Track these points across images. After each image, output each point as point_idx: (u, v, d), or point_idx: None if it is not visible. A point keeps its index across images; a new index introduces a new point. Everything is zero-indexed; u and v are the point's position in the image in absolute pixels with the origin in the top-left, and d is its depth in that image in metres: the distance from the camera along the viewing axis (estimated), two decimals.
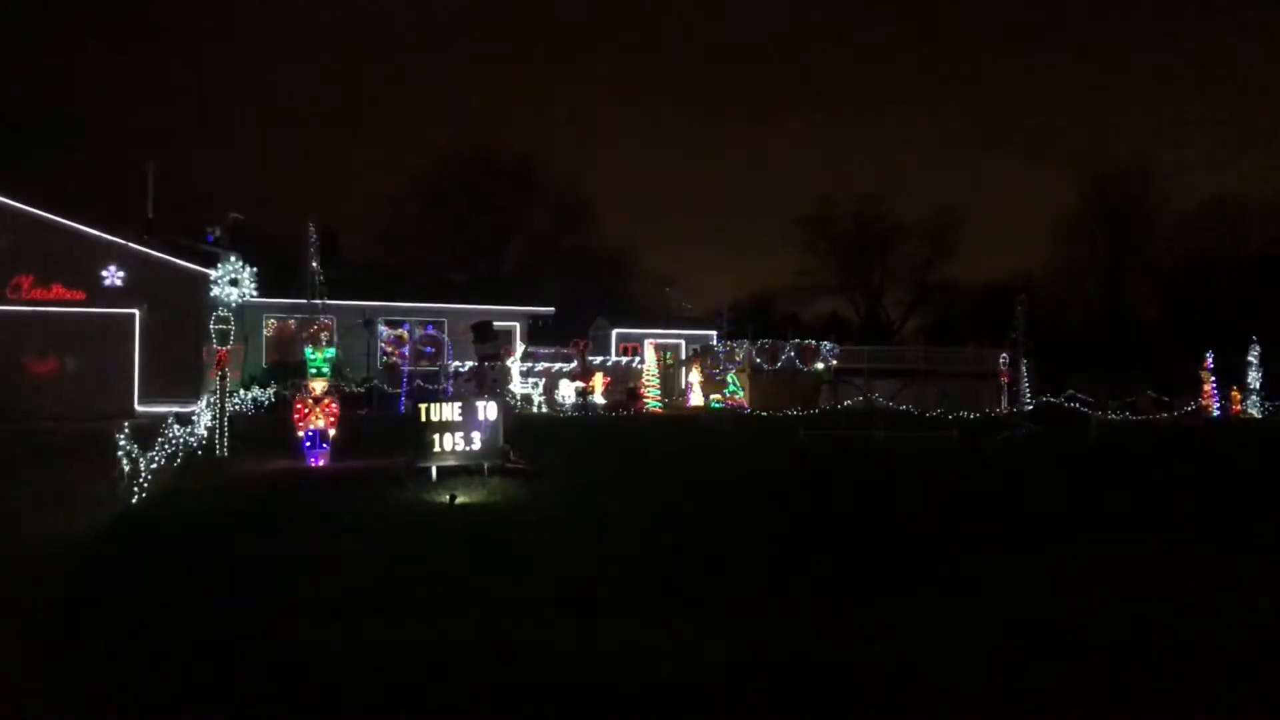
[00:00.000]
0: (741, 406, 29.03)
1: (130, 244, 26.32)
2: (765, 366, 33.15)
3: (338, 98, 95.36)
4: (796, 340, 34.59)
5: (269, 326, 32.16)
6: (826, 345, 34.52)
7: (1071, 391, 27.01)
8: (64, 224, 25.84)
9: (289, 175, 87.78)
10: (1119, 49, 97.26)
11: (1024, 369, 22.38)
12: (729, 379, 28.89)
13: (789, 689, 5.75)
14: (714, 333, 38.59)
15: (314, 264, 28.62)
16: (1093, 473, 16.20)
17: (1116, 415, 26.49)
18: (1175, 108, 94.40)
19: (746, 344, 32.35)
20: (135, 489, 10.65)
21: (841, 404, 30.14)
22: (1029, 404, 22.37)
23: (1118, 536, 10.70)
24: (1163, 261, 57.92)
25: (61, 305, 24.60)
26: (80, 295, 24.75)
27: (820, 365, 34.05)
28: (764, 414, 27.09)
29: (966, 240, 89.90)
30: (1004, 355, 27.82)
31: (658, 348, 36.25)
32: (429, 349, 33.17)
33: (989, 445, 19.94)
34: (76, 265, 24.88)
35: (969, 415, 22.62)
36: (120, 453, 10.70)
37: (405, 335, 31.12)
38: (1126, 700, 5.70)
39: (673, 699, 5.54)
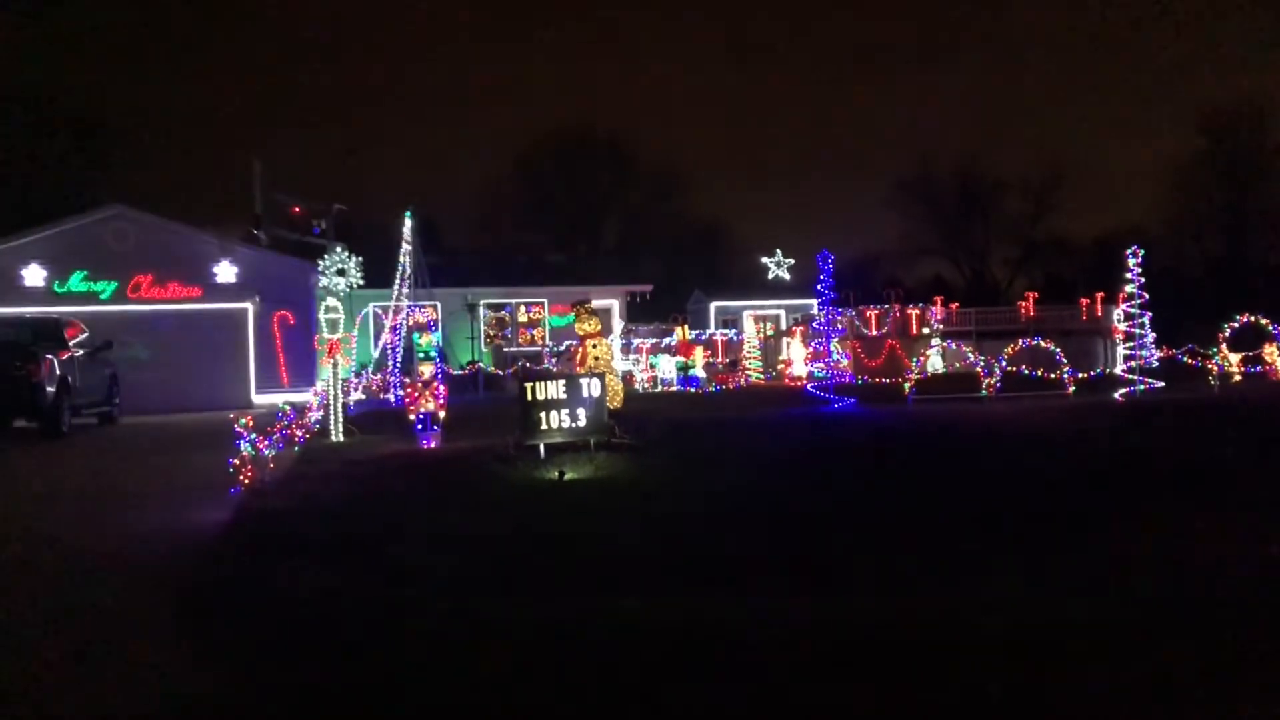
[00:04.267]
0: (846, 374, 28.65)
1: (240, 242, 27.20)
2: (869, 333, 32.67)
3: (431, 85, 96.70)
4: (900, 305, 34.00)
5: (375, 313, 32.81)
6: (931, 309, 33.88)
7: (1191, 345, 25.95)
8: (178, 226, 26.91)
9: (388, 164, 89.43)
10: None
11: (1142, 324, 21.56)
12: (832, 347, 28.55)
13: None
14: (814, 301, 38.14)
15: (416, 251, 29.12)
16: (1221, 427, 15.58)
17: (1238, 368, 25.41)
18: None
19: (849, 311, 31.87)
20: (256, 476, 11.01)
21: (950, 368, 29.53)
22: (1149, 359, 21.56)
23: None
24: None
25: (179, 302, 25.53)
26: (196, 292, 25.62)
27: (925, 330, 33.43)
28: (869, 381, 26.69)
29: (1074, 194, 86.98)
30: (1119, 310, 26.89)
31: (757, 319, 36.03)
32: (530, 329, 33.53)
33: (1108, 404, 19.32)
34: (191, 263, 25.77)
35: (1084, 374, 21.94)
36: (242, 441, 11.06)
37: (508, 318, 31.50)
38: None
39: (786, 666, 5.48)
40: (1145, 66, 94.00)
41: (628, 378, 27.74)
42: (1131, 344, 21.75)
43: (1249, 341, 26.91)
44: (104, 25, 70.90)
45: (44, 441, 16.37)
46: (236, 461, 10.88)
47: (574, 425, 13.10)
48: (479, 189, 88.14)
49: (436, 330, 27.79)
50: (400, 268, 28.67)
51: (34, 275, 25.11)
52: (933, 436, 15.17)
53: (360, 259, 27.79)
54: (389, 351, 27.54)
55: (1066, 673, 5.31)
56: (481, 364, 29.59)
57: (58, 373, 16.84)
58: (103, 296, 25.14)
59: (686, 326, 30.38)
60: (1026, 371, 22.07)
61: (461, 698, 5.15)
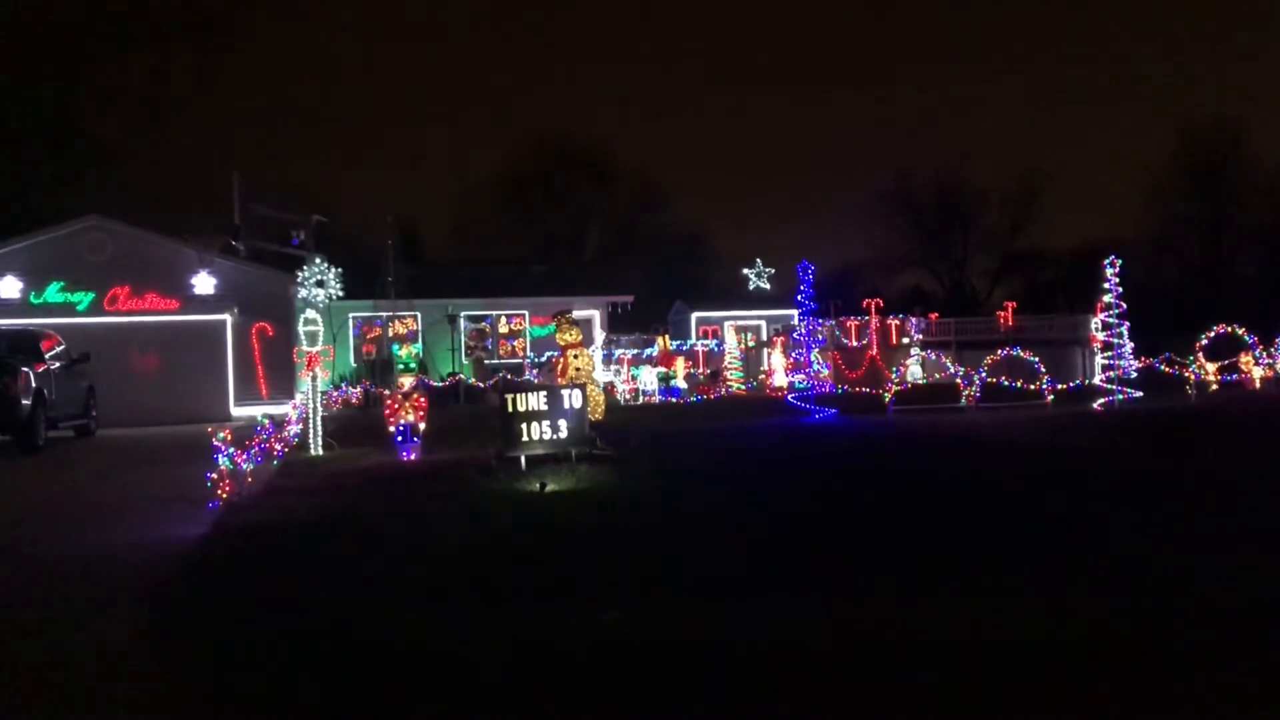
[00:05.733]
0: (826, 385, 28.72)
1: (219, 253, 27.07)
2: (849, 344, 32.77)
3: (410, 94, 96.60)
4: (879, 316, 34.12)
5: (356, 326, 32.72)
6: (912, 320, 34.01)
7: (1168, 355, 26.13)
8: (156, 237, 26.76)
9: (367, 174, 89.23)
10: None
11: (1120, 334, 21.73)
12: (813, 358, 28.63)
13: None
14: (794, 312, 38.20)
15: (396, 262, 29.08)
16: (1197, 435, 15.70)
17: (1215, 377, 25.60)
18: (1269, 55, 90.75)
19: (829, 322, 31.96)
20: (234, 490, 10.93)
21: (930, 379, 29.62)
22: (1128, 370, 21.73)
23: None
24: (1260, 217, 55.83)
25: (156, 314, 25.36)
26: (174, 304, 25.47)
27: (905, 340, 33.56)
28: (850, 392, 26.76)
29: (1053, 205, 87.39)
30: (1096, 320, 27.12)
31: (738, 330, 36.07)
32: (511, 340, 33.48)
33: (1086, 414, 19.44)
34: (169, 275, 25.62)
35: (1063, 384, 22.09)
36: (220, 455, 10.96)
37: (488, 328, 31.43)
38: None
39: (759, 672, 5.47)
40: (1124, 77, 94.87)
41: (609, 389, 27.71)
42: (1110, 354, 21.89)
43: (1226, 351, 27.12)
44: (79, 34, 70.52)
45: (19, 455, 16.20)
46: (214, 475, 10.80)
47: (555, 437, 13.06)
48: (459, 199, 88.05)
49: (417, 342, 27.82)
50: (381, 279, 28.63)
51: (9, 287, 24.91)
52: (913, 447, 15.21)
53: (340, 270, 27.67)
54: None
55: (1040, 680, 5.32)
56: (462, 375, 29.50)
57: (34, 385, 16.67)
58: (80, 308, 24.97)
59: (668, 337, 30.40)
60: (1006, 382, 22.19)
61: (443, 712, 5.11)
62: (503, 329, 34.09)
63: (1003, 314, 37.40)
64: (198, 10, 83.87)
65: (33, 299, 24.92)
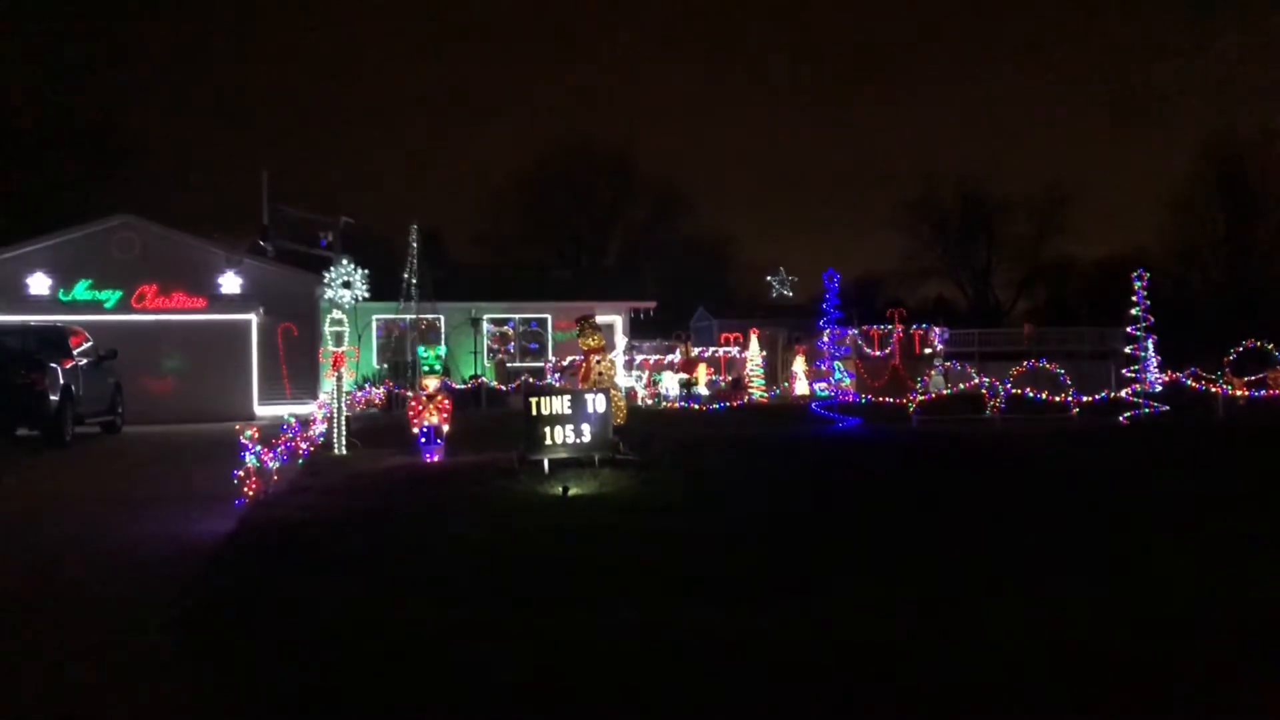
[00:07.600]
0: (849, 393, 28.64)
1: (246, 253, 27.24)
2: (872, 353, 32.67)
3: (437, 99, 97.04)
4: (903, 325, 34.01)
5: (379, 327, 32.82)
6: (935, 330, 33.89)
7: (1194, 369, 25.93)
8: (184, 236, 26.98)
9: (394, 176, 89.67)
10: (1231, 11, 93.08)
11: (1146, 347, 21.61)
12: (835, 366, 28.56)
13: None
14: (818, 320, 38.13)
15: (420, 265, 29.17)
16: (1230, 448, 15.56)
17: (1243, 393, 25.36)
18: None
19: (852, 331, 31.87)
20: (260, 488, 11.00)
21: (953, 389, 29.51)
22: (1153, 383, 21.58)
23: None
24: None
25: (183, 312, 25.54)
26: (201, 302, 25.66)
27: (928, 350, 33.45)
28: (873, 401, 26.67)
29: (1078, 217, 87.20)
30: (1122, 334, 26.95)
31: (760, 337, 36.03)
32: (533, 344, 33.51)
33: (1112, 426, 19.29)
34: (196, 274, 25.82)
35: (1088, 397, 21.93)
36: (247, 453, 11.03)
37: (510, 332, 31.47)
38: None
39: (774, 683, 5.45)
40: (1151, 89, 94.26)
41: (631, 394, 27.72)
42: (1135, 367, 21.73)
43: (1253, 365, 26.90)
44: (112, 36, 71.24)
45: (47, 450, 16.35)
46: (241, 473, 10.86)
47: (578, 441, 13.08)
48: (483, 203, 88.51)
49: (442, 343, 27.91)
50: (405, 281, 28.73)
51: (39, 283, 25.16)
52: (940, 457, 15.12)
53: (366, 271, 27.73)
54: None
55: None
56: (484, 378, 29.58)
57: (61, 381, 16.84)
58: (107, 306, 25.19)
59: (690, 344, 30.39)
60: (1030, 393, 22.05)
61: (460, 714, 5.12)
62: (524, 332, 34.10)
63: (1027, 325, 37.23)
64: (230, 12, 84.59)
65: (61, 296, 25.16)
